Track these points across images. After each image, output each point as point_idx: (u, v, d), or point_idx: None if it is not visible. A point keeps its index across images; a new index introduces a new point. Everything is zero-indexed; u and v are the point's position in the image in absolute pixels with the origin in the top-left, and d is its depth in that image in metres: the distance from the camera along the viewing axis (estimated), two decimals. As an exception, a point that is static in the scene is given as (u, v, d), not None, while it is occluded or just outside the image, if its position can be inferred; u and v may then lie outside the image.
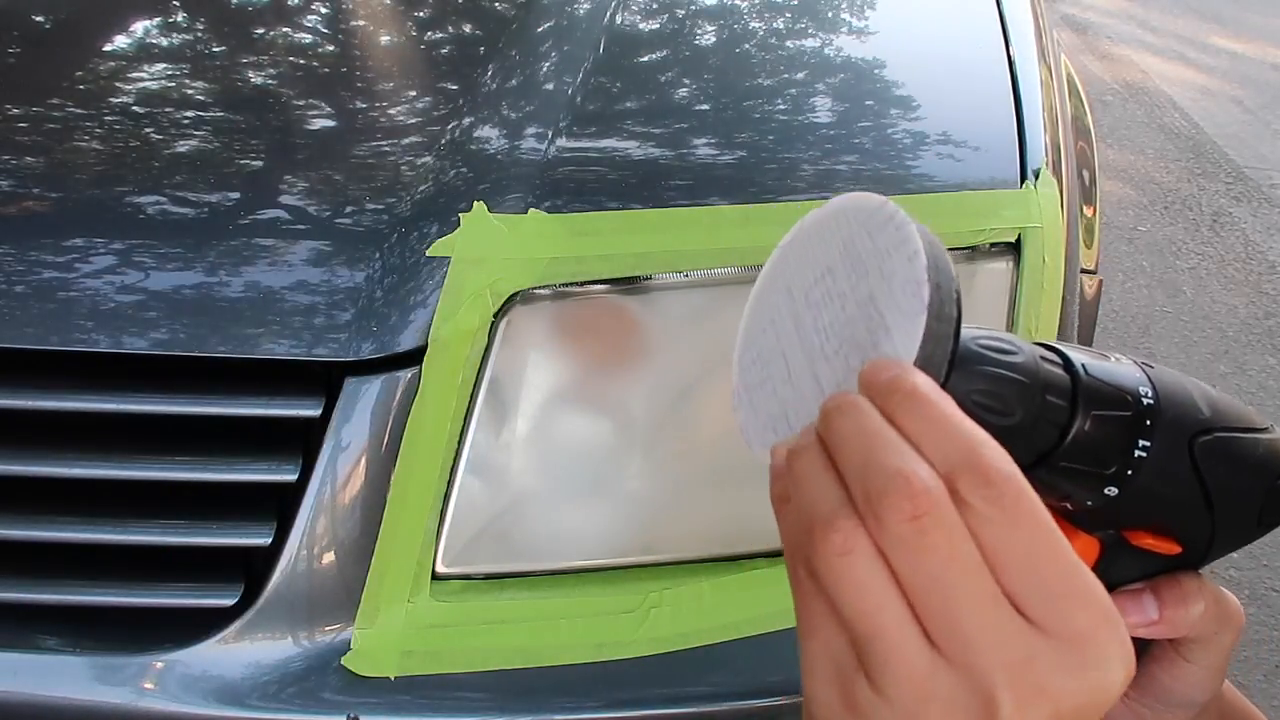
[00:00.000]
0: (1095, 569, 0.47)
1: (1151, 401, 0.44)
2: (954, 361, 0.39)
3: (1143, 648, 0.49)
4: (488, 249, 0.82)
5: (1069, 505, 0.46)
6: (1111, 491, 0.44)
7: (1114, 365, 0.45)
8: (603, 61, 1.03)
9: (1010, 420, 0.42)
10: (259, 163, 0.91)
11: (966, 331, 0.41)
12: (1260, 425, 0.46)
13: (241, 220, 0.84)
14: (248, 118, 0.95)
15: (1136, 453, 0.43)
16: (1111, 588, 0.47)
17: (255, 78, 1.01)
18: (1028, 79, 1.06)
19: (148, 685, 0.79)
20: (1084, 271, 1.12)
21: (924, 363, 0.37)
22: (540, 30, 1.07)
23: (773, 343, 0.44)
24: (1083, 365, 0.44)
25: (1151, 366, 0.45)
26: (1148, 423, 0.44)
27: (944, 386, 0.38)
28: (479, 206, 0.83)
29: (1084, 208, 1.24)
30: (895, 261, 0.38)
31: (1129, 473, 0.44)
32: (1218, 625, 0.48)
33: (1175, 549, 0.47)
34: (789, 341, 0.43)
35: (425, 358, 0.79)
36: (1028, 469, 0.44)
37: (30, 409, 0.79)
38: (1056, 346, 0.45)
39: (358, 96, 0.99)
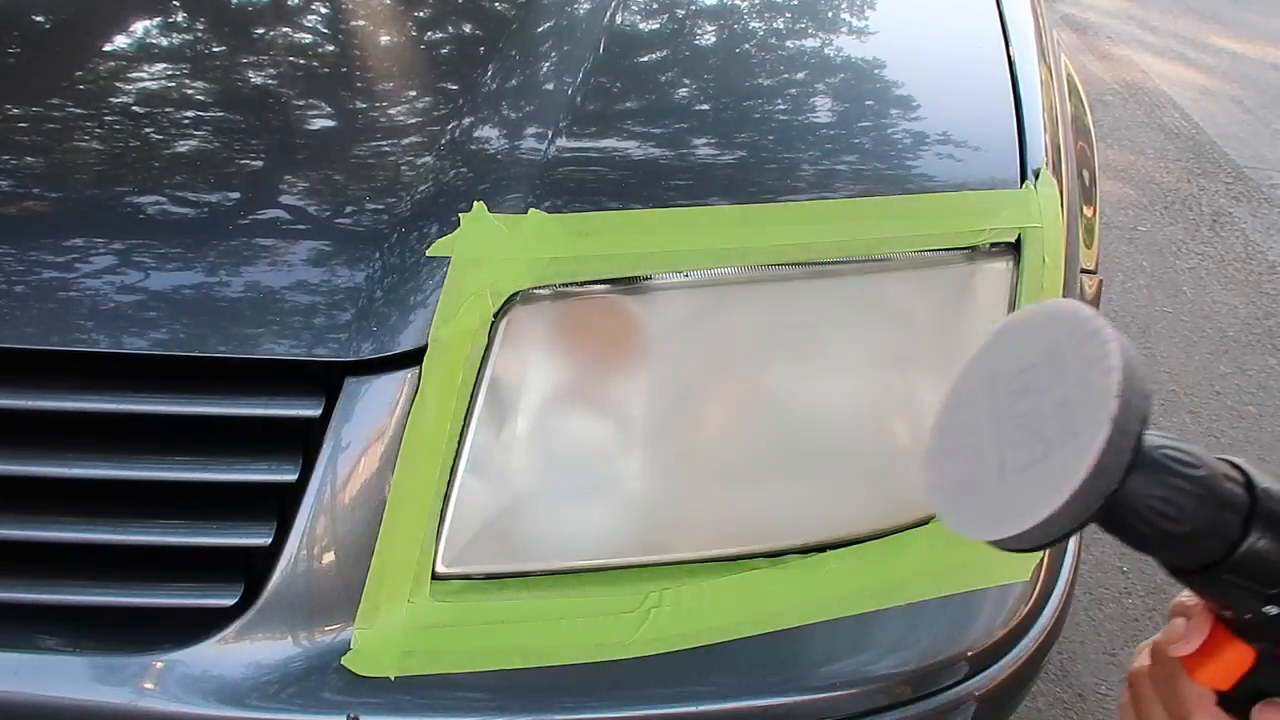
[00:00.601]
0: (1246, 676, 0.48)
1: None
2: (1131, 469, 0.41)
3: None
4: (488, 249, 0.82)
5: (1227, 614, 0.47)
6: (1272, 610, 0.45)
7: None
8: (603, 61, 1.03)
9: (1181, 528, 0.43)
10: (259, 163, 0.90)
11: (1156, 439, 0.43)
12: None
13: (241, 220, 0.84)
14: (248, 118, 0.95)
15: None
16: (1261, 696, 0.48)
17: (255, 78, 1.01)
18: (1028, 79, 1.06)
19: (148, 685, 0.79)
20: (1084, 271, 1.12)
21: (1099, 470, 0.39)
22: (540, 30, 1.07)
23: (970, 419, 0.47)
24: (1266, 488, 0.45)
25: None
26: None
27: (1120, 490, 0.42)
28: (479, 206, 0.83)
29: (1084, 208, 1.24)
30: (1094, 374, 0.40)
31: None
32: None
33: None
34: (984, 422, 0.46)
35: (425, 358, 0.79)
36: (1192, 573, 0.45)
37: (30, 409, 0.79)
38: (1240, 464, 0.45)
39: (358, 96, 0.99)
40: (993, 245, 0.90)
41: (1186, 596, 0.50)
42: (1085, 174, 1.34)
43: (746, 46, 1.13)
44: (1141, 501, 0.43)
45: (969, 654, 0.88)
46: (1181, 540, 0.44)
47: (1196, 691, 0.49)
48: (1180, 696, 0.49)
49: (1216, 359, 2.67)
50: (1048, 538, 0.42)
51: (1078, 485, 0.40)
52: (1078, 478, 0.40)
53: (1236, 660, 0.48)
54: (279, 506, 0.80)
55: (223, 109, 0.95)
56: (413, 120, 0.96)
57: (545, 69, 1.02)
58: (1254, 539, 0.44)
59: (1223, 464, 0.45)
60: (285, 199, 0.87)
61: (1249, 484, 0.45)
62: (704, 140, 0.96)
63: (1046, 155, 0.97)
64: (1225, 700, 0.49)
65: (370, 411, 0.79)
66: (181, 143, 0.90)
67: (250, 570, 0.81)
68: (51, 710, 0.79)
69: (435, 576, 0.83)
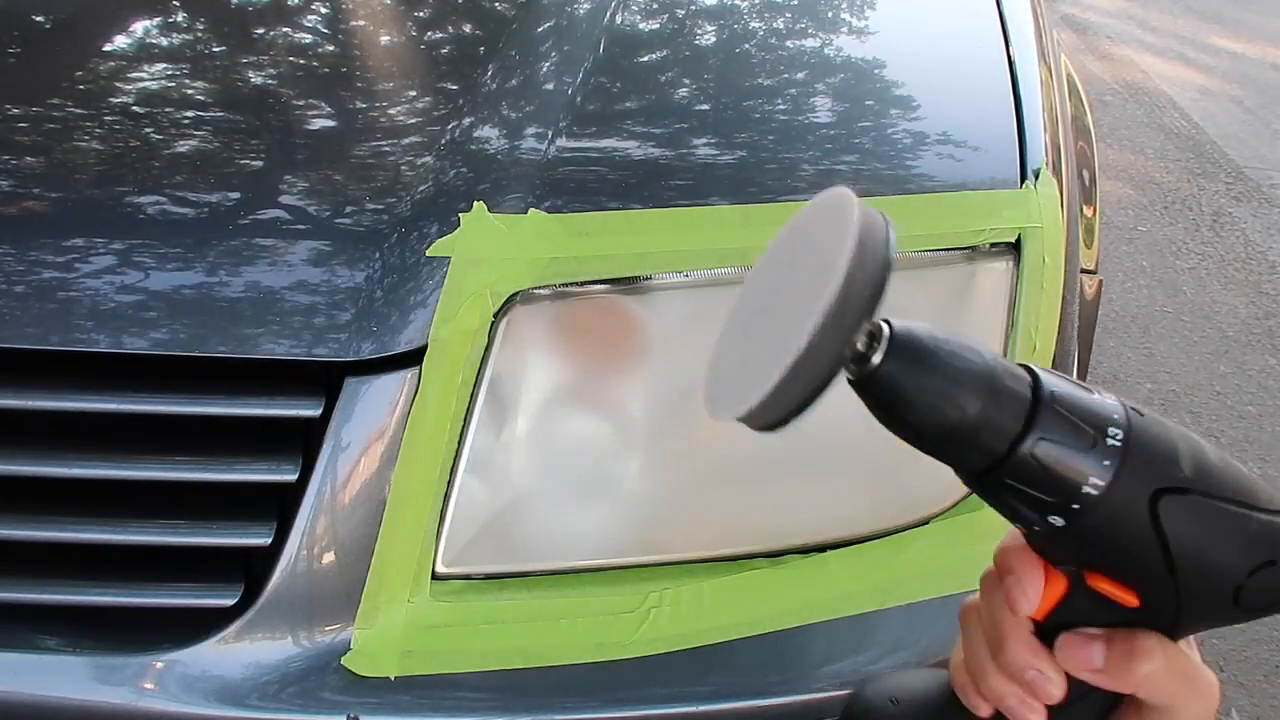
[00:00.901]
0: (1058, 606, 0.47)
1: (1117, 444, 0.43)
2: (858, 332, 0.41)
3: (1109, 708, 0.48)
4: (488, 249, 0.82)
5: (1021, 526, 0.46)
6: (1057, 522, 0.44)
7: (1091, 399, 0.44)
8: (603, 61, 1.03)
9: (951, 419, 0.42)
10: (259, 163, 0.91)
11: (937, 332, 0.43)
12: (1265, 505, 0.45)
13: (241, 220, 0.84)
14: (248, 118, 0.95)
15: (1085, 489, 0.43)
16: (1069, 627, 0.47)
17: (255, 78, 1.01)
18: (1028, 79, 1.06)
19: (148, 685, 0.79)
20: (1084, 271, 1.12)
21: (823, 332, 0.40)
22: (540, 30, 1.07)
23: (743, 313, 0.47)
24: (1051, 391, 0.43)
25: (1142, 414, 0.44)
26: (1105, 463, 0.43)
27: (878, 369, 0.42)
28: (479, 206, 0.83)
29: (1084, 208, 1.24)
30: (833, 251, 0.40)
31: (1075, 507, 0.43)
32: (1181, 696, 0.46)
33: (1134, 602, 0.46)
34: (753, 312, 0.46)
35: (425, 358, 0.79)
36: (979, 477, 0.44)
37: (30, 409, 0.79)
38: (1034, 368, 0.45)
39: (358, 96, 0.99)
40: (993, 245, 0.90)
41: (1011, 537, 0.50)
42: (1085, 174, 1.34)
43: (746, 46, 1.13)
44: (910, 389, 0.42)
45: (969, 654, 0.88)
46: (958, 436, 0.43)
47: (1011, 620, 0.48)
48: (997, 624, 0.49)
49: (1216, 359, 2.67)
50: (787, 408, 0.41)
51: (802, 350, 0.40)
52: (803, 342, 0.40)
53: (1049, 588, 0.47)
54: (279, 506, 0.80)
55: (223, 109, 0.95)
56: (413, 120, 0.96)
57: (545, 69, 1.02)
58: (1033, 440, 0.42)
59: (1012, 364, 0.44)
60: (285, 199, 0.87)
61: (1035, 385, 0.44)
62: (704, 140, 0.96)
63: (1046, 155, 0.97)
64: (1040, 630, 0.48)
65: (370, 411, 0.79)
66: (181, 143, 0.91)
67: (250, 570, 0.81)
68: (51, 710, 0.79)
69: (435, 576, 0.83)
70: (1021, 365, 0.45)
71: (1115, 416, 0.44)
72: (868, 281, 0.40)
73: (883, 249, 0.41)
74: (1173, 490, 0.43)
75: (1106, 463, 0.43)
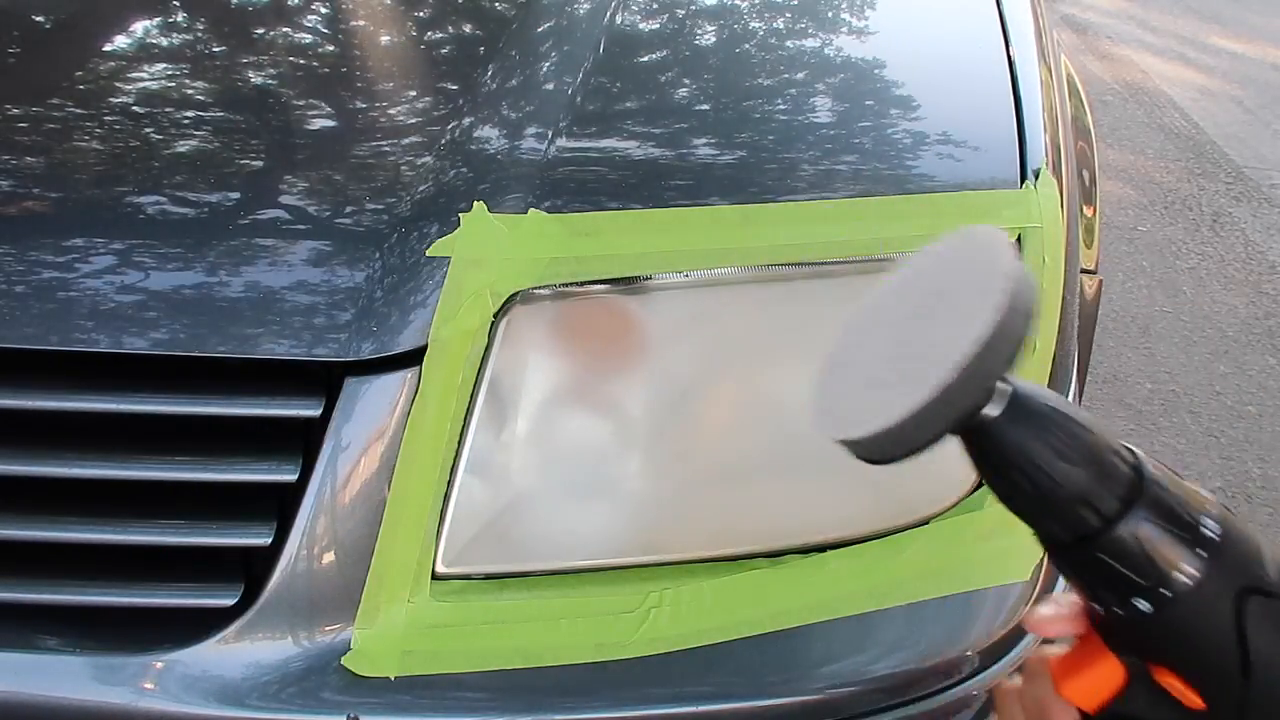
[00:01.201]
0: (1116, 698, 0.46)
1: (1214, 536, 0.43)
2: (988, 399, 0.41)
3: None
4: (488, 249, 0.82)
5: (1098, 607, 0.45)
6: (1143, 606, 0.43)
7: (1189, 488, 0.44)
8: (603, 61, 1.03)
9: (1052, 486, 0.42)
10: (259, 163, 0.91)
11: (1051, 397, 0.43)
12: None
13: (241, 220, 0.84)
14: (248, 118, 0.95)
15: (1180, 576, 0.42)
16: None
17: (255, 78, 1.01)
18: (1028, 79, 1.06)
19: (148, 685, 0.79)
20: (1084, 271, 1.12)
21: (964, 382, 0.39)
22: (540, 30, 1.07)
23: (868, 331, 0.47)
24: (1154, 474, 0.44)
25: (1232, 513, 0.45)
26: (1202, 553, 0.43)
27: (992, 423, 0.42)
28: (479, 206, 0.83)
29: (1084, 208, 1.24)
30: (985, 298, 0.40)
31: (1165, 594, 0.43)
32: None
33: (1198, 703, 0.45)
34: (880, 334, 0.46)
35: (425, 358, 0.79)
36: (1066, 548, 0.44)
37: (30, 409, 0.79)
38: (1134, 449, 0.45)
39: (358, 96, 0.99)
40: (993, 245, 0.90)
41: (1054, 605, 0.48)
42: (1085, 174, 1.34)
43: (746, 46, 1.13)
44: (1022, 450, 0.42)
45: (969, 654, 0.88)
46: (1057, 504, 0.43)
47: (1060, 705, 0.47)
48: (1043, 711, 0.47)
49: (1216, 359, 2.67)
50: (902, 448, 0.41)
51: (937, 393, 0.40)
52: (938, 386, 0.40)
53: (1106, 676, 0.46)
54: (279, 506, 0.80)
55: (223, 109, 0.95)
56: (413, 120, 0.96)
57: (545, 69, 1.02)
58: (1136, 519, 0.43)
59: (1116, 440, 0.45)
60: (285, 199, 0.87)
61: (1138, 464, 0.44)
62: (704, 140, 0.96)
63: (1046, 155, 0.97)
64: None
65: (370, 411, 0.79)
66: (181, 143, 0.90)
67: (250, 570, 0.81)
68: (51, 710, 0.79)
69: (435, 576, 0.83)
70: (1124, 445, 0.45)
71: (1210, 509, 0.44)
72: (1013, 337, 0.40)
73: (1030, 306, 0.41)
74: (1259, 591, 0.43)
75: (1202, 553, 0.43)
